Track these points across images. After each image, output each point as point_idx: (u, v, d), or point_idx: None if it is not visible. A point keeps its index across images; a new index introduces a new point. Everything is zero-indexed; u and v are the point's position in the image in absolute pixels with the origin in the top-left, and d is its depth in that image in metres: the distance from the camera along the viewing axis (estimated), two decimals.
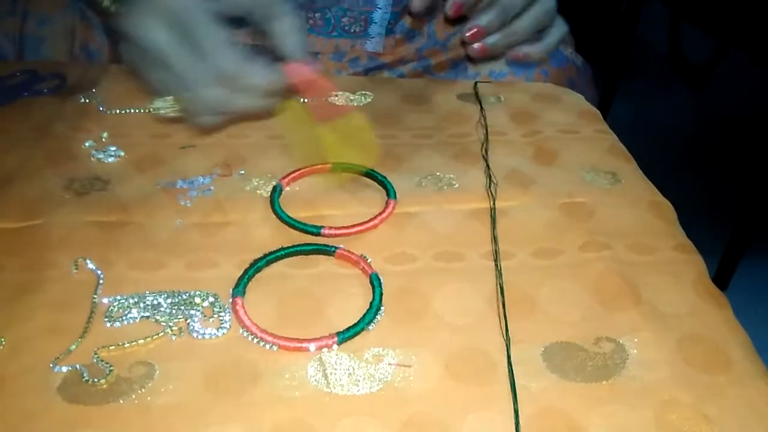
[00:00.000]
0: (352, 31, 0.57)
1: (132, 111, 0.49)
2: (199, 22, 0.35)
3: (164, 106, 0.38)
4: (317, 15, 0.57)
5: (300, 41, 0.40)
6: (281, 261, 0.37)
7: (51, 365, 0.30)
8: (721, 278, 1.18)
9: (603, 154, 0.46)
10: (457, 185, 0.43)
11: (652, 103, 1.75)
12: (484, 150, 0.46)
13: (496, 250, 0.37)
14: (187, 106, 0.38)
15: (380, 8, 0.58)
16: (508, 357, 0.31)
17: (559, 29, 0.48)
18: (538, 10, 0.49)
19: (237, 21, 0.40)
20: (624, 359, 0.31)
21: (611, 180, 0.43)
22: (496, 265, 0.36)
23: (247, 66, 0.36)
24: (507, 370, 0.30)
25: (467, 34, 0.43)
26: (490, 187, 0.42)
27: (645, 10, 1.47)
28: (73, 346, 0.31)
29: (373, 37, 0.58)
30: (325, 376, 0.30)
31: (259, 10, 0.39)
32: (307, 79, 0.37)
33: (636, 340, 0.32)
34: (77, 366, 0.30)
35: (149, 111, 0.49)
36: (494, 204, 0.41)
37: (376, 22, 0.58)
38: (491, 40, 0.48)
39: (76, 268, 0.35)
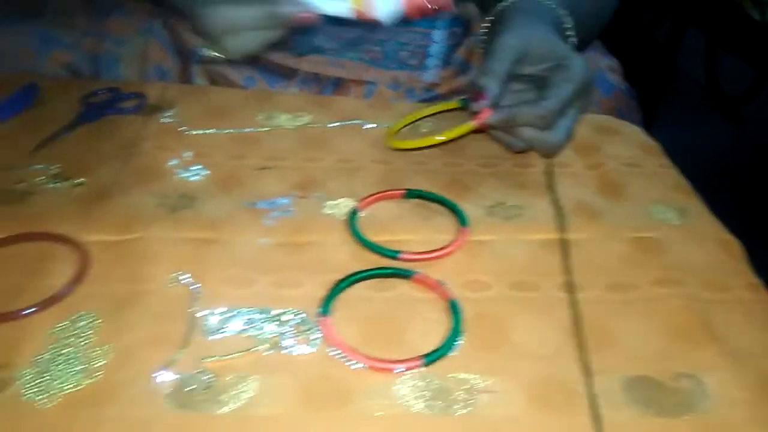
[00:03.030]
0: (410, 63, 0.60)
1: (210, 131, 0.51)
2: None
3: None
4: (377, 48, 0.60)
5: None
6: (360, 283, 0.38)
7: (155, 375, 0.32)
8: None
9: (668, 189, 0.47)
10: (524, 215, 0.44)
11: (690, 132, 1.74)
12: (549, 181, 0.47)
13: (570, 282, 0.38)
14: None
15: (437, 42, 0.61)
16: (589, 389, 0.32)
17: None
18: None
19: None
20: (702, 396, 0.32)
21: (678, 216, 0.44)
22: (571, 297, 0.37)
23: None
24: (587, 401, 0.32)
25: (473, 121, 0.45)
26: (559, 218, 0.43)
27: (684, 39, 1.48)
28: (177, 356, 0.33)
29: (430, 69, 0.61)
30: (413, 398, 0.31)
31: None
32: None
33: (714, 377, 0.33)
34: (180, 375, 0.32)
35: (226, 132, 0.51)
36: (565, 236, 0.42)
37: (432, 56, 0.61)
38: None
39: (172, 282, 0.37)
